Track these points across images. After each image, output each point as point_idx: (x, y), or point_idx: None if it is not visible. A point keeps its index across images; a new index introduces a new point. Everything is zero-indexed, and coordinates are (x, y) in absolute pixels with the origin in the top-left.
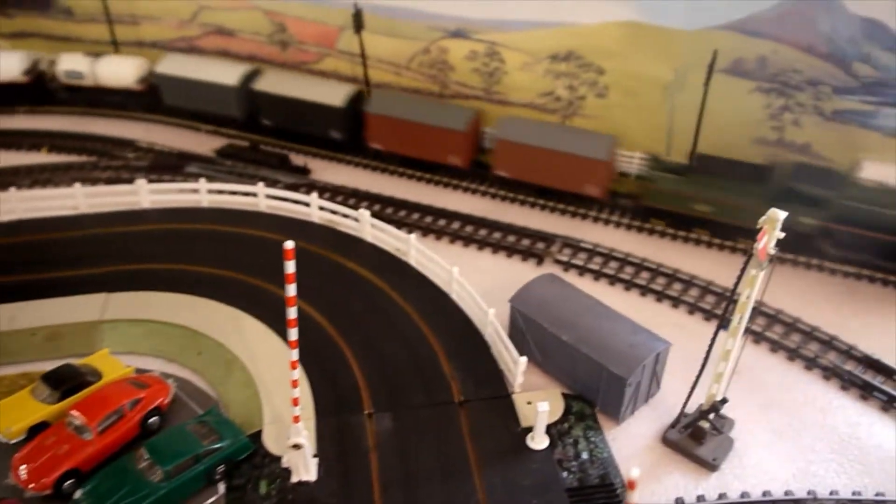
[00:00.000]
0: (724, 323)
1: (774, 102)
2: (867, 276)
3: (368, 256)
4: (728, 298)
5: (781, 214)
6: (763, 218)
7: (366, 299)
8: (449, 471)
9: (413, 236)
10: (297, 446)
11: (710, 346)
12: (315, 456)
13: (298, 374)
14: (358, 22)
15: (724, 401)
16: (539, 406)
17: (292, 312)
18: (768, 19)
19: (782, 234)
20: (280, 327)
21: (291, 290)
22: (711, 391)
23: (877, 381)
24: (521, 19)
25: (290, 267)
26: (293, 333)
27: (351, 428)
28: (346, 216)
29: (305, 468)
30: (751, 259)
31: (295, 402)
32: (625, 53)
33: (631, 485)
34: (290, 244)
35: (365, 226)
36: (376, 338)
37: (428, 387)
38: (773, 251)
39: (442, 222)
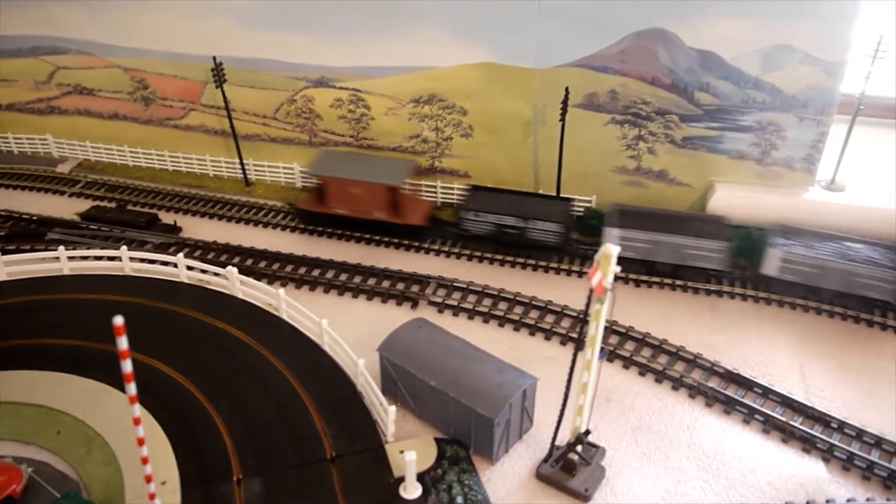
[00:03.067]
0: (577, 353)
1: (629, 133)
2: (728, 292)
3: (239, 314)
4: (579, 334)
5: (615, 249)
6: (597, 255)
7: (235, 359)
8: None
9: (282, 291)
10: None
11: (569, 380)
12: None
13: (164, 444)
14: (218, 75)
15: (587, 432)
16: (406, 455)
17: (127, 367)
18: (613, 55)
19: (618, 269)
20: (144, 398)
21: (127, 366)
22: (575, 424)
23: (738, 395)
24: (381, 65)
25: (123, 343)
26: (131, 388)
27: (219, 496)
28: (214, 274)
29: None
30: (591, 294)
31: (144, 461)
32: (484, 93)
33: None
34: (119, 320)
35: (234, 283)
36: (246, 398)
37: (299, 445)
38: (609, 286)
39: (316, 272)
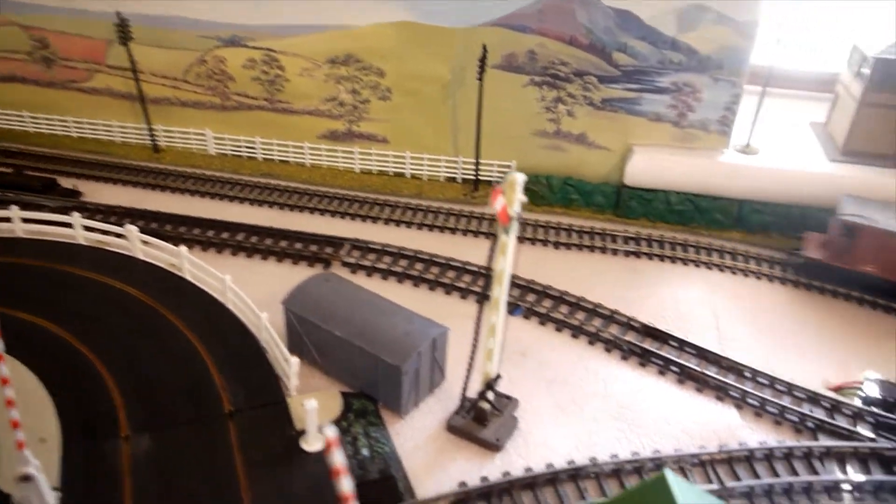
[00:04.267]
0: (483, 297)
1: (548, 95)
2: (646, 253)
3: (139, 275)
4: (486, 270)
5: (521, 177)
6: (502, 181)
7: (133, 319)
8: (215, 485)
9: (184, 248)
10: (26, 478)
11: (478, 325)
12: (55, 489)
13: (46, 403)
14: (123, 33)
15: (497, 377)
16: (307, 404)
17: None
18: (531, 14)
19: (525, 199)
20: (27, 358)
21: None
22: (486, 370)
23: (654, 347)
24: (294, 23)
25: None
26: None
27: (103, 453)
28: (113, 234)
29: (42, 503)
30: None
31: (15, 425)
32: (401, 54)
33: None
34: None
35: (134, 242)
36: (140, 357)
37: (195, 402)
38: (515, 214)
39: (225, 235)
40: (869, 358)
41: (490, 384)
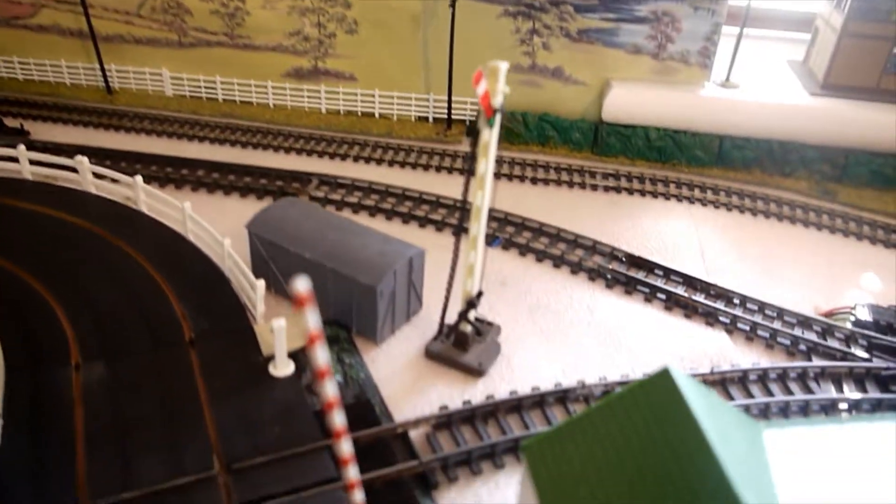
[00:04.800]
0: (461, 224)
1: (522, 26)
2: (626, 189)
3: (92, 209)
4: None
5: (504, 65)
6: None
7: (84, 252)
8: (174, 412)
9: (139, 178)
10: None
11: (457, 244)
12: None
13: None
14: None
15: (479, 294)
16: (274, 323)
17: None
18: None
19: (507, 89)
20: None
21: None
22: (466, 288)
23: (639, 276)
24: None
25: None
26: None
27: (51, 382)
28: (62, 168)
29: None
30: (479, 118)
31: None
32: None
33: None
34: None
35: (86, 175)
36: (93, 288)
37: (153, 331)
38: (498, 106)
39: (184, 171)
40: (856, 287)
41: (472, 302)
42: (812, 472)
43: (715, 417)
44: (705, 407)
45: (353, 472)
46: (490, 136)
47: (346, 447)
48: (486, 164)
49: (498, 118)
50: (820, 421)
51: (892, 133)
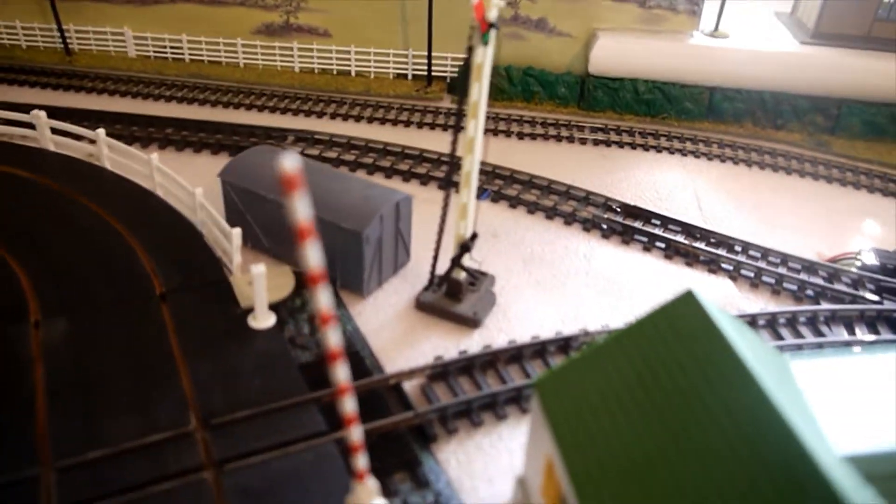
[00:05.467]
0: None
1: None
2: (616, 142)
3: (51, 166)
4: (458, 112)
5: None
6: None
7: (44, 208)
8: (145, 368)
9: (102, 132)
10: None
11: (449, 169)
12: None
13: None
14: None
15: (474, 236)
16: (254, 269)
17: None
18: None
19: (502, 3)
20: None
21: None
22: (459, 231)
23: (636, 225)
24: None
25: None
26: None
27: (7, 340)
28: (18, 124)
29: None
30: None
31: None
32: None
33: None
34: None
35: (43, 131)
36: (55, 245)
37: (120, 286)
38: (493, 20)
39: (151, 129)
40: (858, 233)
41: (466, 245)
42: (840, 402)
43: (744, 341)
44: (734, 330)
45: (356, 434)
46: (485, 55)
47: (349, 404)
48: (481, 89)
49: (493, 35)
50: (844, 352)
51: (884, 82)
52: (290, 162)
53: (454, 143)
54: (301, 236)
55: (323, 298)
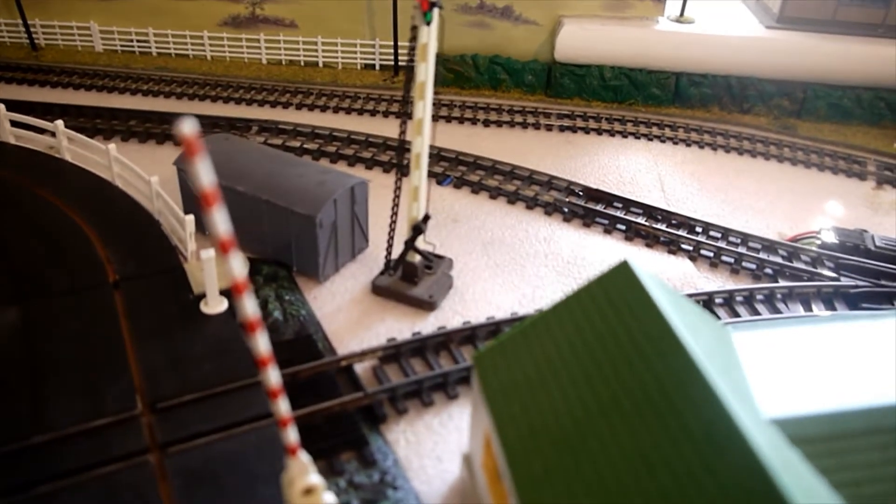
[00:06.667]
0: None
1: None
2: (582, 128)
3: (9, 158)
4: (403, 97)
5: None
6: None
7: (1, 200)
8: (94, 355)
9: (60, 122)
10: None
11: (399, 153)
12: None
13: None
14: None
15: (426, 218)
16: (203, 254)
17: None
18: None
19: None
20: None
21: None
22: (412, 213)
23: (598, 208)
24: None
25: None
26: None
27: None
28: None
29: None
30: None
31: None
32: None
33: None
34: None
35: (3, 124)
36: (7, 235)
37: (73, 275)
38: None
39: (114, 122)
40: (820, 214)
41: (418, 227)
42: (776, 370)
43: (679, 310)
44: (669, 299)
45: (283, 407)
46: (429, 35)
47: (273, 376)
48: (426, 68)
49: (436, 13)
50: (786, 323)
51: (849, 65)
52: (187, 126)
53: (402, 126)
54: (206, 202)
55: (236, 266)
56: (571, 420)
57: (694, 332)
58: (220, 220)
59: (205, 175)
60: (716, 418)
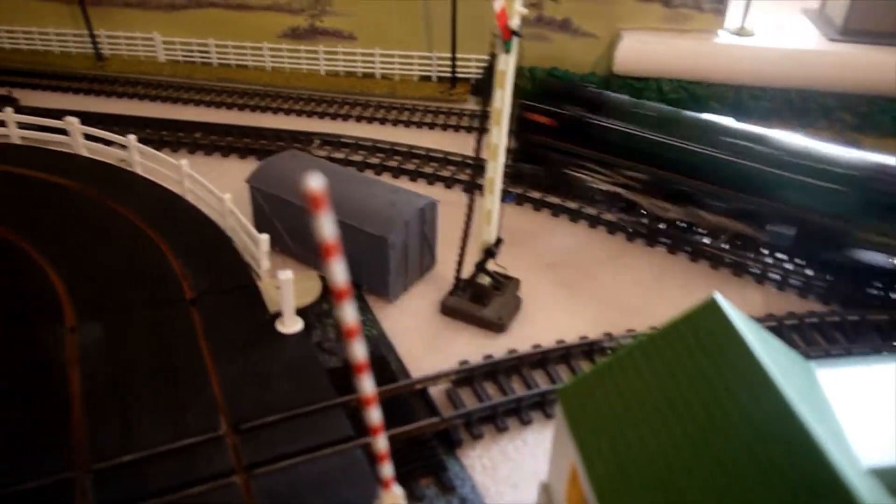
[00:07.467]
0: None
1: None
2: None
3: (84, 171)
4: (481, 115)
5: None
6: None
7: (77, 213)
8: (176, 372)
9: (133, 137)
10: None
11: (472, 177)
12: None
13: None
14: None
15: (498, 241)
16: (281, 275)
17: None
18: None
19: (525, 10)
20: None
21: None
22: (484, 237)
23: (661, 227)
24: None
25: None
26: None
27: (45, 345)
28: (52, 130)
29: None
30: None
31: None
32: None
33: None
34: None
35: (76, 137)
36: (88, 250)
37: (152, 291)
38: (516, 28)
39: (180, 134)
40: None
41: (490, 251)
42: (867, 411)
43: (767, 348)
44: (758, 338)
45: (382, 443)
46: (508, 64)
47: (375, 414)
48: (504, 97)
49: (515, 43)
50: (872, 360)
51: None
52: (315, 181)
53: (477, 147)
54: (326, 253)
55: (349, 312)
56: (663, 461)
57: (784, 372)
58: (339, 271)
59: (328, 228)
60: (814, 466)
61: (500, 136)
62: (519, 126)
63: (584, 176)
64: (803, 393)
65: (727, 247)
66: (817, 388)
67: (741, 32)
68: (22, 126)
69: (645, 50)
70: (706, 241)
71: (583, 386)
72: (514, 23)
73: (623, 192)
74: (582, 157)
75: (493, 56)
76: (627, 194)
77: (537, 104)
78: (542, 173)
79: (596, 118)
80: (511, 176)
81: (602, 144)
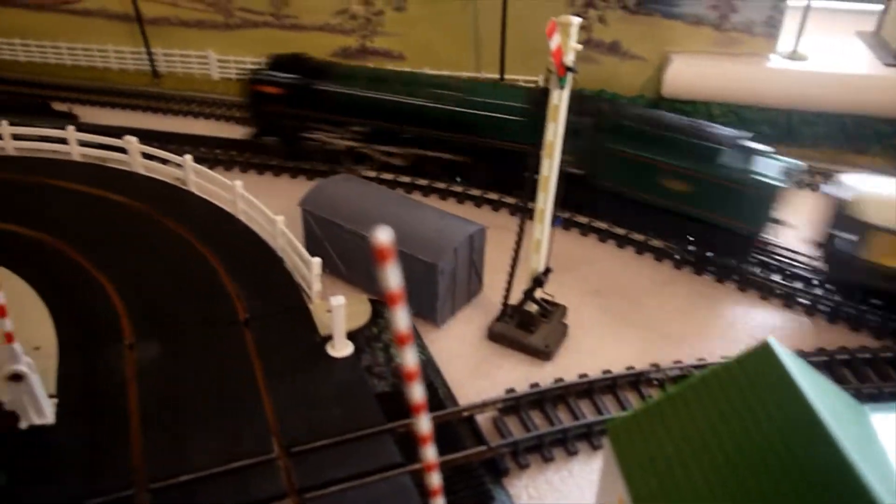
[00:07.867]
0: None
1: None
2: None
3: (141, 189)
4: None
5: (576, 20)
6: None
7: (134, 231)
8: (230, 393)
9: (189, 157)
10: (16, 377)
11: (522, 216)
12: (52, 396)
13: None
14: None
15: (547, 271)
16: (333, 301)
17: None
18: None
19: (580, 47)
20: (20, 269)
21: None
22: (532, 265)
23: (709, 254)
24: None
25: None
26: None
27: (105, 361)
28: (111, 148)
29: (37, 410)
30: (550, 79)
31: (8, 338)
32: None
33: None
34: None
35: (135, 155)
36: (145, 268)
37: (207, 310)
38: (571, 64)
39: (233, 152)
40: None
41: (538, 279)
42: None
43: (822, 394)
44: (811, 383)
45: (436, 479)
46: (561, 99)
47: (430, 452)
48: (556, 130)
49: (570, 79)
50: None
51: None
52: (383, 235)
53: (528, 182)
54: (391, 301)
55: (410, 357)
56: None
57: (838, 418)
58: (402, 317)
59: (394, 279)
60: None
61: (551, 170)
62: (251, 99)
63: (318, 137)
64: (858, 440)
65: (777, 278)
66: (872, 435)
67: (794, 56)
68: (83, 144)
69: (694, 73)
70: (757, 270)
71: (633, 422)
72: (569, 59)
73: (355, 146)
74: (312, 120)
75: (546, 91)
76: (358, 147)
77: (265, 76)
78: (281, 143)
79: (320, 83)
80: (253, 148)
81: (329, 106)
